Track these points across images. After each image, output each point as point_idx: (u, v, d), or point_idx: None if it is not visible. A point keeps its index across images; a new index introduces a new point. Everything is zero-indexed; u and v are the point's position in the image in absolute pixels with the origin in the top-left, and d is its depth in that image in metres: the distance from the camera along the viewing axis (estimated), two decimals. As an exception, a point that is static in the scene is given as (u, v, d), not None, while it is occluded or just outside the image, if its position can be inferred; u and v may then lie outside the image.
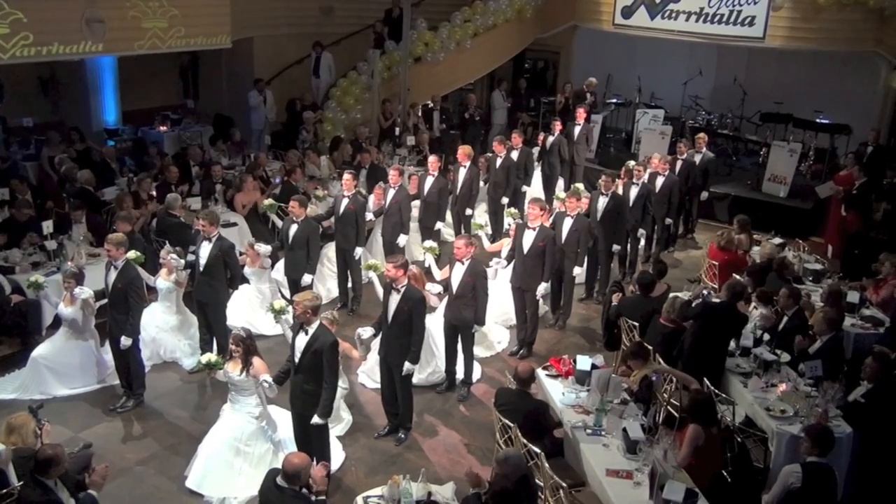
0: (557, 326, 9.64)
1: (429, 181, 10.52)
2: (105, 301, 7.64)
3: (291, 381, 6.31)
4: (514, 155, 11.86)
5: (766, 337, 7.63)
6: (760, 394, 6.85)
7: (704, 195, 12.50)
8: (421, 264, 8.63)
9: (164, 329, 8.48)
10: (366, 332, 7.27)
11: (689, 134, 13.95)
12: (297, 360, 6.19)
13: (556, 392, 6.84)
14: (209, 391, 7.91)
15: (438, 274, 8.44)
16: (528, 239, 8.51)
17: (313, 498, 5.10)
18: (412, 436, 7.38)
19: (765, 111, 14.63)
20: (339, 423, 7.31)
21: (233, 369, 6.37)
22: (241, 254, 8.89)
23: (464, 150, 11.01)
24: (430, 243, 8.98)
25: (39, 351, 7.77)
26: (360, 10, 15.35)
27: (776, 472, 5.99)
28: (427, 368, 8.15)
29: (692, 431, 5.81)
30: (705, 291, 8.31)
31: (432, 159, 10.74)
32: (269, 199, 10.21)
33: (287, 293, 9.16)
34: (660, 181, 11.13)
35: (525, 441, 5.83)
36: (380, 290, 7.53)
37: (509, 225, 9.88)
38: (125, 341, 7.31)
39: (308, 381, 6.15)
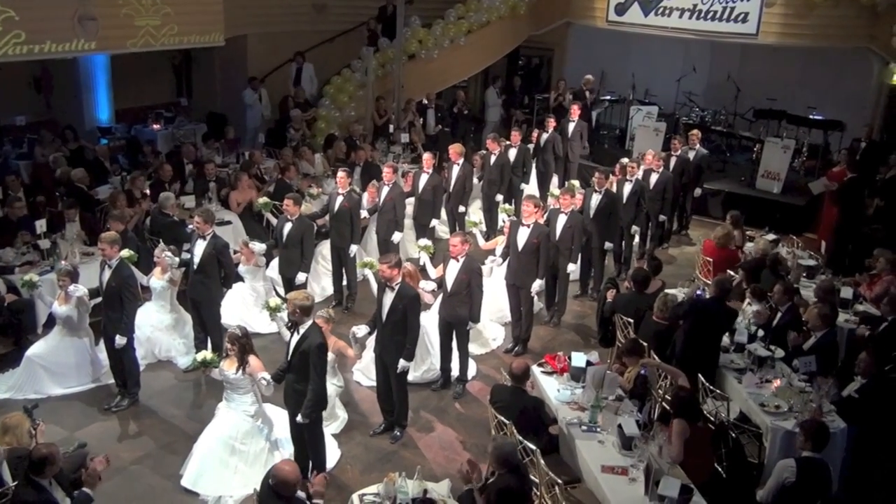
0: (552, 323, 9.65)
1: (423, 178, 10.52)
2: (99, 300, 7.62)
3: (285, 380, 6.32)
4: (512, 153, 11.88)
5: (761, 333, 7.66)
6: (755, 389, 6.87)
7: (698, 192, 12.53)
8: (416, 262, 8.63)
9: (158, 328, 8.46)
10: (360, 330, 7.26)
11: (683, 130, 13.97)
12: (288, 359, 6.20)
13: (552, 389, 6.85)
14: (204, 390, 7.89)
15: (433, 272, 8.45)
16: (523, 236, 8.51)
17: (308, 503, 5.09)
18: (407, 433, 7.38)
19: (758, 108, 14.67)
20: (335, 421, 7.31)
21: (229, 367, 6.36)
22: (235, 252, 8.88)
23: (455, 149, 11.02)
24: (424, 241, 9.00)
25: (34, 350, 7.74)
26: (354, 7, 15.32)
27: (771, 467, 6.02)
28: (422, 366, 8.16)
29: (676, 426, 5.82)
30: (699, 291, 8.33)
31: (426, 156, 10.74)
32: (264, 197, 10.20)
33: (282, 291, 9.14)
34: (654, 178, 11.15)
35: (520, 438, 5.84)
36: (375, 288, 7.52)
37: (504, 222, 9.88)
38: (120, 340, 7.29)
39: (298, 381, 6.15)
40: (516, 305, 8.86)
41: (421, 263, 8.75)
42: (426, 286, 8.00)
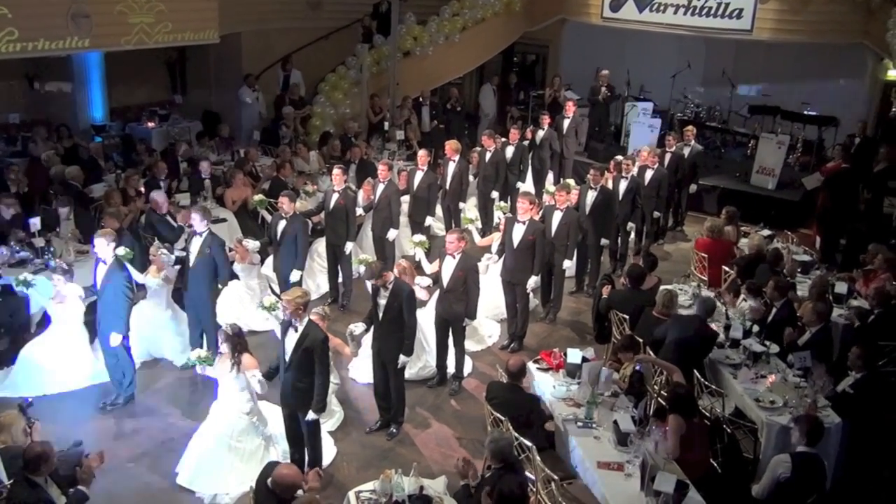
0: (548, 320, 9.66)
1: (418, 176, 10.51)
2: (94, 298, 7.59)
3: (282, 379, 6.30)
4: (510, 151, 11.88)
5: (756, 328, 7.67)
6: (750, 385, 6.89)
7: (693, 188, 12.55)
8: (411, 258, 8.63)
9: (153, 326, 8.43)
10: (358, 327, 7.26)
11: (678, 127, 13.98)
12: (287, 357, 6.17)
13: (547, 385, 6.86)
14: (200, 388, 7.86)
15: (428, 268, 8.44)
16: (518, 233, 8.52)
17: None
18: (404, 430, 7.39)
19: (753, 103, 14.68)
20: (331, 418, 7.31)
21: (222, 366, 6.35)
22: (230, 250, 8.86)
23: (451, 146, 11.03)
24: (419, 237, 8.97)
25: (29, 349, 7.73)
26: (349, 4, 15.28)
27: (766, 462, 6.03)
28: (418, 363, 8.15)
29: (672, 422, 5.83)
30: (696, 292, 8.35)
31: (421, 154, 10.74)
32: (259, 194, 10.18)
33: (277, 289, 9.14)
34: (649, 174, 11.16)
35: (516, 434, 5.85)
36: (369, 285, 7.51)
37: (499, 219, 9.88)
38: (115, 338, 7.28)
39: (300, 379, 6.13)
40: (512, 302, 8.87)
41: (416, 260, 8.74)
42: (421, 282, 8.00)
